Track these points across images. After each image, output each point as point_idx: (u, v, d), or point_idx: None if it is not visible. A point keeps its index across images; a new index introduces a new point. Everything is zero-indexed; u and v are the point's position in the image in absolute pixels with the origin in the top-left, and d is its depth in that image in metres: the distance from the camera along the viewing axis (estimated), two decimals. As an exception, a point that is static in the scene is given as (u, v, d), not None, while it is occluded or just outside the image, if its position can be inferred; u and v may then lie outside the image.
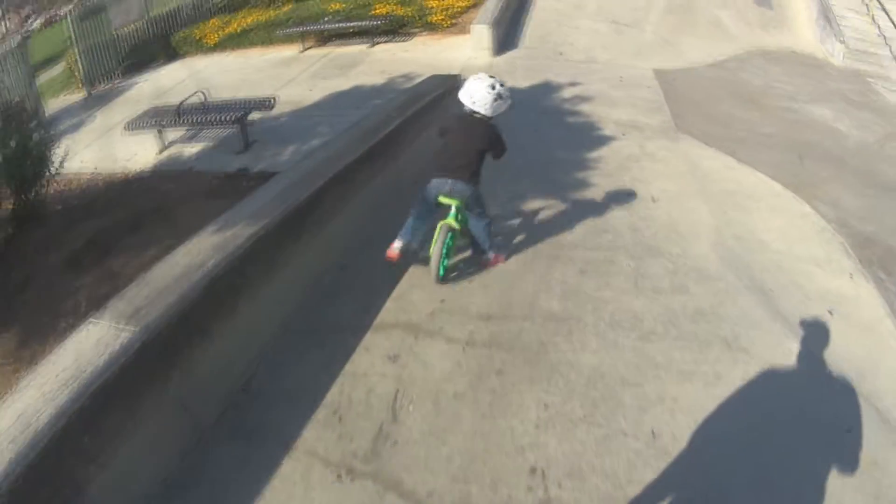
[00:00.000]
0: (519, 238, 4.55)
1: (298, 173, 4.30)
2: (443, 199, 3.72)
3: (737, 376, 3.14)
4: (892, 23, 11.59)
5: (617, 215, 4.79)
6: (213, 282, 3.04)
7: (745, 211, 5.14)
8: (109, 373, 2.44)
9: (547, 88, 8.00)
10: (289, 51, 11.37)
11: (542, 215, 4.86)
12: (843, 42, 10.91)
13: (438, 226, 3.78)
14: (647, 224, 4.67)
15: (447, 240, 3.77)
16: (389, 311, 3.78)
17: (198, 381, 2.96)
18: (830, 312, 3.94)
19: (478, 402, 3.05)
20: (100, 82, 12.33)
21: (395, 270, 4.09)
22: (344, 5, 11.90)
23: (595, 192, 5.18)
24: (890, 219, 5.42)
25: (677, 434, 2.78)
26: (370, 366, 3.34)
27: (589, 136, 6.37)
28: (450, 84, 6.95)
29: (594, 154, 5.94)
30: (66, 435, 2.23)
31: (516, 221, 4.73)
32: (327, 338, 3.58)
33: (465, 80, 3.77)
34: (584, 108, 7.00)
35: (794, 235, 4.91)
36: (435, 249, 3.77)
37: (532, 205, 5.00)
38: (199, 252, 3.26)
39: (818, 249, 4.75)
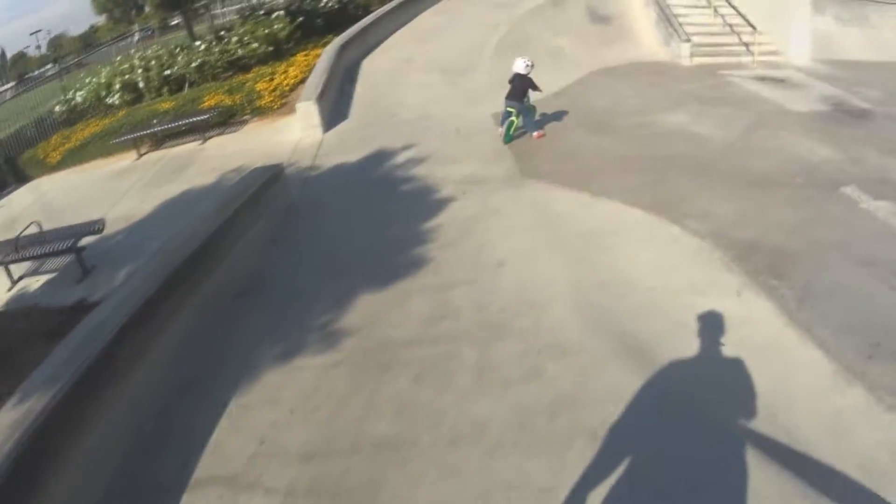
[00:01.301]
0: (346, 348, 4.12)
1: (95, 321, 4.16)
2: (509, 108, 7.84)
3: (609, 480, 2.70)
4: (734, 9, 12.38)
5: (458, 294, 4.42)
6: (16, 464, 2.90)
7: (606, 251, 4.93)
8: None
9: (380, 157, 7.85)
10: (126, 159, 11.41)
11: (372, 314, 4.44)
12: (688, 41, 11.49)
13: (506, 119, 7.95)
14: (494, 297, 4.32)
15: (509, 122, 7.90)
16: (206, 463, 3.50)
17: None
18: (722, 344, 3.72)
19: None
20: (-42, 218, 12.12)
21: (212, 413, 3.83)
22: (174, 103, 12.22)
23: (433, 270, 4.86)
24: (770, 215, 5.34)
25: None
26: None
27: (425, 203, 6.14)
28: (272, 174, 6.84)
29: (432, 223, 5.65)
30: None
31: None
32: (148, 503, 3.33)
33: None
34: (420, 171, 6.81)
35: (667, 265, 4.74)
36: (503, 128, 7.95)
37: (361, 303, 4.59)
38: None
39: (696, 274, 4.60)
